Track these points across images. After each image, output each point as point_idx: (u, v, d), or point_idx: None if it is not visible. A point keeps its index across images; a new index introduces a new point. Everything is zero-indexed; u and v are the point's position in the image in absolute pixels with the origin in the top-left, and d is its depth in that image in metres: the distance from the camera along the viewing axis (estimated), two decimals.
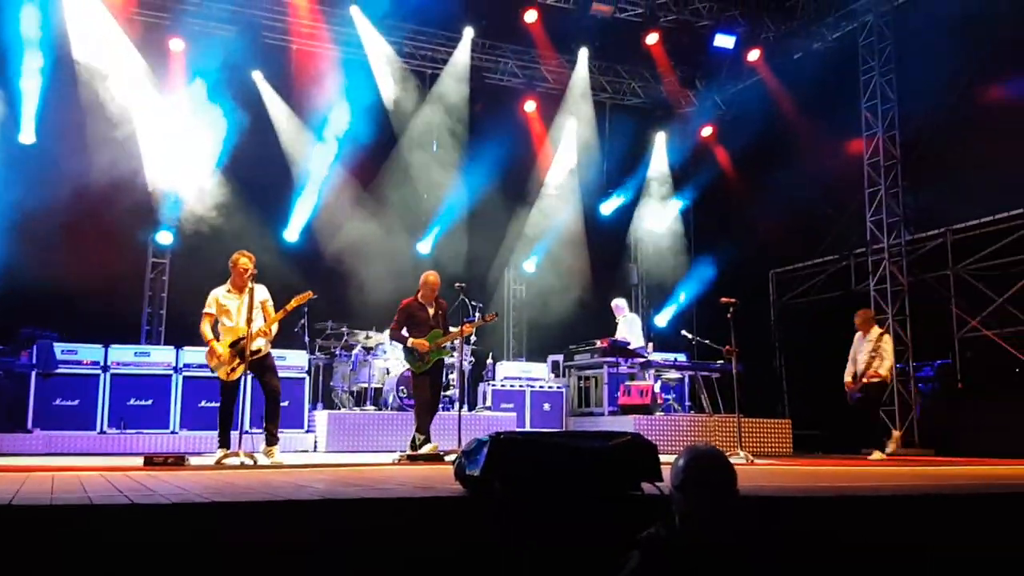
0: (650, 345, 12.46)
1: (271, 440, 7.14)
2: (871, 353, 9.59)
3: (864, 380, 9.58)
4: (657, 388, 11.19)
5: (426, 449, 7.84)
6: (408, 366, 8.40)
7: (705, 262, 14.39)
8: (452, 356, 9.95)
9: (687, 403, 12.07)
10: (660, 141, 15.34)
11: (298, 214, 12.98)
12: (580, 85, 14.41)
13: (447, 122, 14.19)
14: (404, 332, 8.15)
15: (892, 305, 11.88)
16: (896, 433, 9.51)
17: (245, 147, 12.10)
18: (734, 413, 9.21)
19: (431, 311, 8.22)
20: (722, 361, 10.88)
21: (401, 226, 13.83)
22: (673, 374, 11.91)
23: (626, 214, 15.56)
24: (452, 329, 8.33)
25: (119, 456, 8.58)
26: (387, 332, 10.59)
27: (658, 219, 15.59)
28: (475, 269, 13.83)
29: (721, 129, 14.85)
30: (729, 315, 8.70)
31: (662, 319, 15.36)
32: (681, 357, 12.47)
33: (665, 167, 15.25)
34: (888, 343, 9.69)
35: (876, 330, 9.83)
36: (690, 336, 11.84)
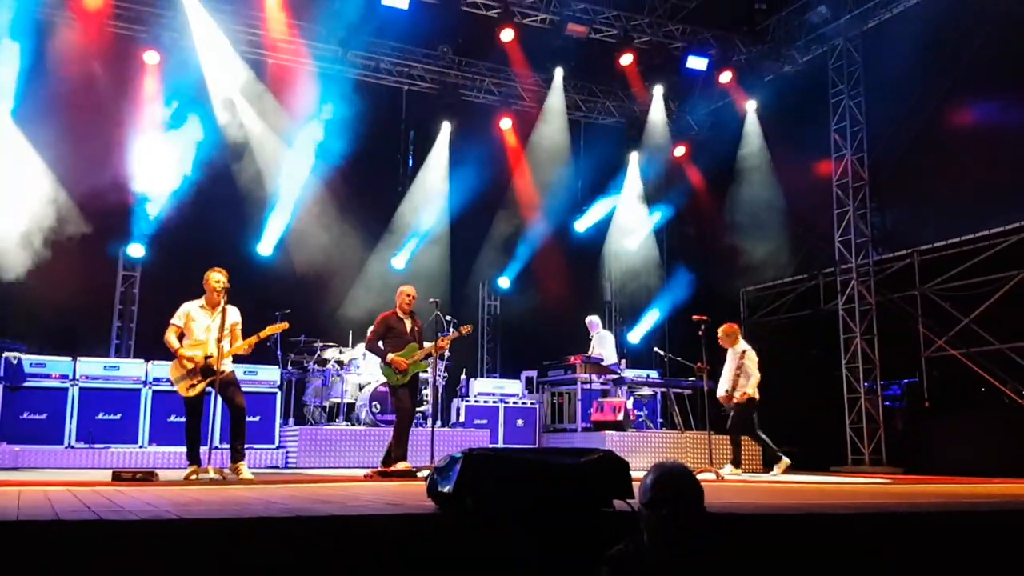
0: (623, 362, 12.51)
1: (237, 456, 7.04)
2: (735, 371, 9.38)
3: (733, 400, 9.39)
4: (630, 404, 11.22)
5: (399, 466, 7.80)
6: (385, 380, 8.34)
7: (678, 280, 14.51)
8: (427, 371, 9.93)
9: (659, 419, 12.12)
10: (634, 160, 15.47)
11: (272, 228, 12.91)
12: (555, 104, 14.53)
13: (423, 138, 14.24)
14: (381, 345, 8.12)
15: (860, 324, 12.05)
16: (786, 461, 9.27)
17: (219, 160, 12.03)
18: (704, 430, 9.24)
19: (409, 325, 8.21)
20: (694, 378, 10.96)
21: (375, 241, 13.82)
22: (646, 391, 11.96)
23: (600, 231, 15.66)
24: (427, 345, 8.33)
25: (87, 471, 8.44)
26: (360, 347, 10.57)
27: (631, 237, 15.71)
28: (449, 285, 13.85)
29: (693, 149, 15.02)
30: (701, 332, 8.77)
31: (635, 336, 15.44)
32: (654, 374, 12.54)
33: (639, 185, 15.38)
34: (751, 359, 9.39)
35: (739, 346, 9.53)
36: (662, 353, 11.90)
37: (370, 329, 8.24)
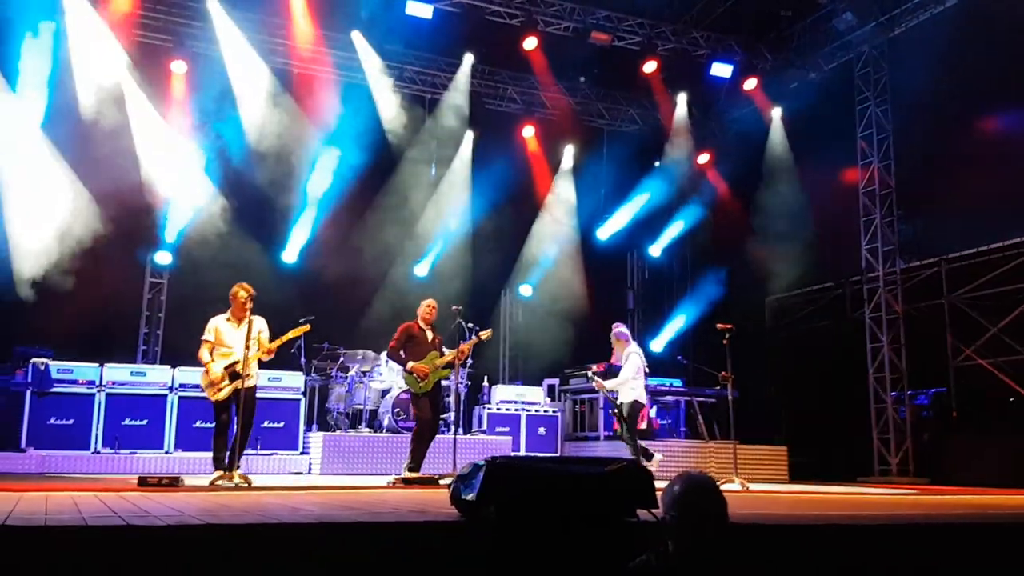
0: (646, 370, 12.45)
1: (227, 465, 7.02)
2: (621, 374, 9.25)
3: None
4: (653, 413, 11.16)
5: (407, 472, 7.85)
6: (407, 387, 8.40)
7: (701, 288, 14.43)
8: (449, 379, 9.96)
9: (683, 429, 12.04)
10: (657, 167, 15.42)
11: (296, 236, 13.01)
12: (577, 111, 14.53)
13: (446, 147, 14.30)
14: (402, 354, 8.19)
15: (887, 333, 11.92)
16: (659, 456, 9.05)
17: (244, 168, 12.16)
18: (730, 439, 9.19)
19: (429, 335, 8.32)
20: (718, 387, 10.88)
21: (398, 249, 13.87)
22: (669, 399, 11.89)
23: (623, 239, 15.62)
24: (448, 353, 8.36)
25: (113, 476, 8.55)
26: (383, 354, 10.61)
27: (655, 244, 15.66)
28: (472, 293, 13.86)
29: (717, 156, 14.96)
30: (725, 341, 8.72)
31: (658, 344, 15.37)
32: (677, 383, 12.46)
33: (662, 194, 15.34)
34: (631, 361, 9.22)
35: (625, 349, 9.40)
36: (686, 362, 11.83)
37: (392, 338, 8.32)
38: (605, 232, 15.50)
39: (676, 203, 15.35)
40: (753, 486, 8.63)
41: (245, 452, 7.54)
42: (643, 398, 9.16)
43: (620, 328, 12.29)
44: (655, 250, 15.80)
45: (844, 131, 12.54)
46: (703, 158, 15.04)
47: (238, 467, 7.02)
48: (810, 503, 6.12)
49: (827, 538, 3.80)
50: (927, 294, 11.74)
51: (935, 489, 9.38)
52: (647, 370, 9.58)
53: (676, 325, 15.19)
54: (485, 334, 8.58)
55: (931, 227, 11.96)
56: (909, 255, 12.11)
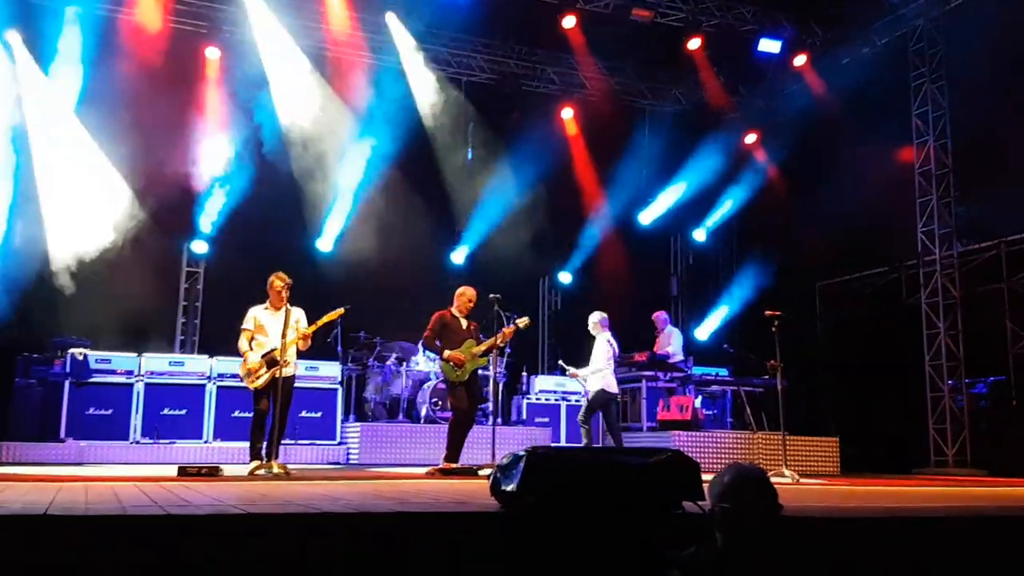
0: (690, 359, 12.37)
1: (267, 454, 7.14)
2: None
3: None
4: (698, 403, 11.09)
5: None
6: (445, 376, 8.43)
7: (749, 273, 14.26)
8: (486, 368, 9.97)
9: (729, 419, 11.95)
10: (701, 149, 15.23)
11: (332, 224, 13.13)
12: (618, 91, 14.41)
13: (483, 130, 14.28)
14: (437, 343, 8.22)
15: (944, 319, 11.66)
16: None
17: (279, 155, 12.28)
18: (779, 430, 9.10)
19: (465, 324, 8.33)
20: (767, 376, 10.76)
21: (435, 236, 13.92)
22: (715, 389, 11.81)
23: (666, 223, 15.49)
24: (486, 340, 8.38)
25: (152, 466, 8.74)
26: (420, 343, 10.67)
27: (700, 228, 15.50)
28: (509, 280, 13.85)
29: (765, 135, 14.74)
30: (774, 328, 8.62)
31: (703, 332, 15.24)
32: (723, 372, 12.36)
33: (707, 175, 15.16)
34: (599, 349, 9.19)
35: (601, 335, 9.37)
36: (733, 350, 11.72)
37: (426, 327, 8.35)
38: (648, 216, 15.38)
39: (722, 185, 15.16)
40: (803, 479, 8.53)
41: (283, 442, 7.65)
42: (612, 387, 9.18)
43: (660, 314, 12.25)
44: (700, 234, 15.64)
45: (898, 109, 12.26)
46: (750, 138, 14.83)
47: (276, 456, 7.13)
48: (864, 496, 6.02)
49: (884, 531, 3.74)
50: (985, 278, 11.46)
51: (995, 480, 9.17)
52: (618, 358, 9.56)
53: (722, 312, 15.05)
54: (523, 322, 8.57)
55: (989, 208, 11.65)
56: (966, 238, 11.82)
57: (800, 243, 13.29)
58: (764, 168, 14.63)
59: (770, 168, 14.55)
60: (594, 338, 9.33)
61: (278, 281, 7.48)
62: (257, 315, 7.53)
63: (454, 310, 8.37)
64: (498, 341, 8.25)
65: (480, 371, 8.49)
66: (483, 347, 8.25)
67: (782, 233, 13.73)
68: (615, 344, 9.31)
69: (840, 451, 11.10)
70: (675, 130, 14.98)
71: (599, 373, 9.10)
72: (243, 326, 7.51)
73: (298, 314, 7.52)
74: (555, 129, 14.57)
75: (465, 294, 8.39)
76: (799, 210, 13.21)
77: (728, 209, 15.28)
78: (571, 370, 9.37)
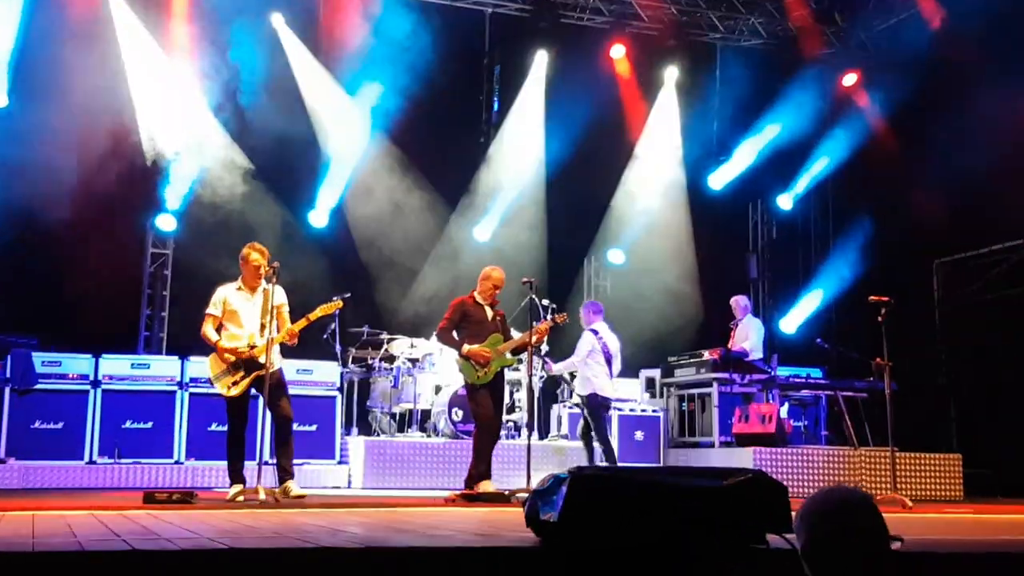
0: (775, 357, 12.28)
1: (284, 476, 7.29)
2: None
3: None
4: (784, 412, 11.03)
5: (484, 486, 7.89)
6: (464, 378, 8.44)
7: (848, 250, 14.14)
8: (517, 368, 10.00)
9: (824, 432, 11.87)
10: (787, 93, 15.07)
11: (326, 193, 13.20)
12: (682, 23, 14.30)
13: (512, 74, 14.24)
14: (455, 335, 8.28)
15: None
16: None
17: (263, 110, 12.34)
18: (886, 445, 9.03)
19: (490, 313, 8.37)
20: (871, 378, 10.68)
21: (453, 207, 13.95)
22: (805, 394, 11.73)
23: (743, 188, 15.37)
24: (516, 335, 8.40)
25: (113, 492, 8.88)
26: (435, 338, 10.72)
27: (785, 194, 15.37)
28: (547, 261, 13.87)
29: (868, 78, 14.54)
30: (880, 318, 8.58)
31: (790, 324, 15.13)
32: (816, 373, 12.28)
33: (795, 127, 15.00)
34: (583, 342, 9.26)
35: (588, 327, 9.42)
36: (828, 346, 11.63)
37: (443, 316, 8.40)
38: (719, 179, 15.27)
39: (813, 140, 15.00)
40: (918, 505, 8.45)
41: (268, 462, 7.73)
42: (606, 391, 9.28)
43: (739, 300, 12.18)
44: (785, 201, 15.49)
45: None
46: (849, 79, 14.64)
47: (291, 477, 7.21)
48: (996, 527, 5.96)
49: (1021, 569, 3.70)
50: None
51: None
52: (611, 354, 9.51)
53: (814, 299, 14.94)
54: (561, 318, 8.60)
55: None
56: None
57: (913, 212, 13.12)
58: (867, 118, 14.45)
59: (875, 118, 14.37)
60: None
61: (253, 253, 7.35)
62: (227, 296, 7.42)
63: (477, 296, 8.40)
64: (531, 339, 8.26)
65: (507, 371, 8.54)
66: (511, 344, 8.28)
67: (890, 199, 13.57)
68: (609, 339, 9.30)
69: (963, 471, 10.99)
70: (753, 71, 14.82)
71: (586, 372, 9.16)
72: (208, 310, 7.44)
73: (280, 296, 7.42)
74: (602, 71, 14.49)
75: (491, 277, 8.41)
76: (912, 171, 13.04)
77: (821, 170, 15.13)
78: (550, 364, 9.43)
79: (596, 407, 9.32)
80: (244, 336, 7.32)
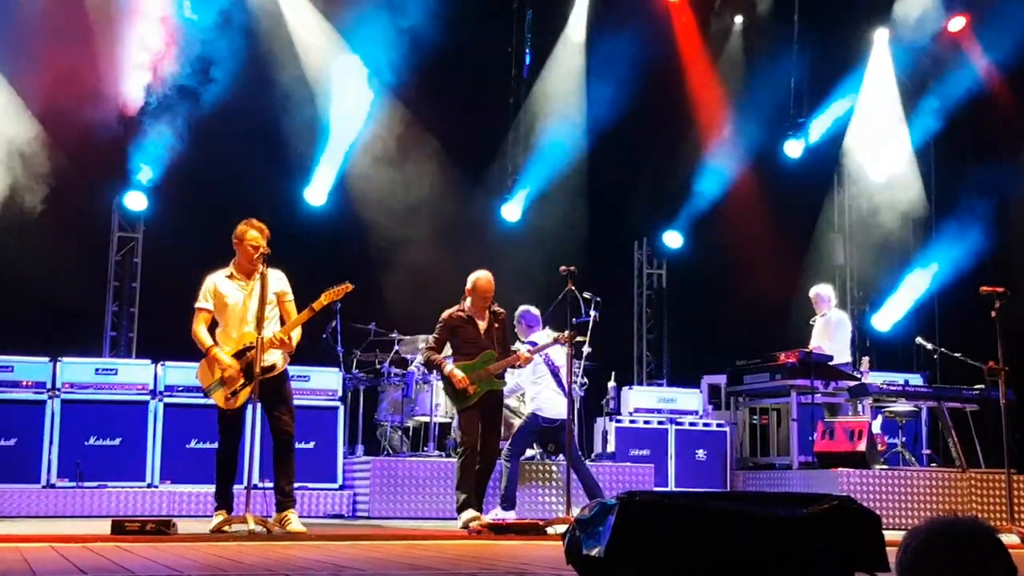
0: (865, 361, 12.21)
1: (284, 503, 7.34)
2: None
3: None
4: (877, 427, 10.96)
5: (470, 518, 8.08)
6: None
7: (956, 229, 14.05)
8: (557, 376, 10.02)
9: (925, 451, 11.81)
10: (881, 41, 14.97)
11: (325, 166, 13.24)
12: None
13: (547, 23, 14.20)
14: (441, 355, 8.56)
15: None
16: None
17: (251, 68, 12.37)
18: (1001, 467, 8.96)
19: (482, 326, 8.59)
20: (982, 385, 10.61)
21: (477, 182, 13.96)
22: (902, 406, 11.66)
23: (826, 157, 15.31)
24: (545, 336, 8.49)
25: (76, 520, 8.96)
26: (420, 360, 10.76)
27: (878, 163, 15.27)
28: (588, 245, 13.85)
29: (978, 21, 14.41)
30: (994, 313, 8.49)
31: (884, 320, 15.06)
32: (915, 379, 12.19)
33: (890, 82, 14.89)
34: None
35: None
36: (930, 347, 11.55)
37: (432, 336, 8.71)
38: (798, 147, 15.20)
39: (912, 96, 14.89)
40: None
41: (258, 486, 7.78)
42: (548, 411, 9.32)
43: (821, 291, 12.13)
44: (877, 171, 15.38)
45: None
46: (956, 24, 14.52)
47: (293, 504, 7.28)
48: None
49: None
50: None
51: None
52: (556, 367, 9.43)
53: (912, 290, 14.89)
54: (564, 336, 8.64)
55: None
56: None
57: None
58: (977, 70, 14.33)
59: (987, 69, 14.26)
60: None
61: (251, 231, 7.30)
62: (218, 285, 7.39)
63: (466, 308, 8.61)
64: (518, 362, 8.59)
65: (550, 375, 8.62)
66: (502, 364, 8.50)
67: (1008, 166, 13.46)
68: (553, 350, 9.27)
69: None
70: (840, 11, 14.72)
71: (530, 394, 9.43)
72: (198, 304, 7.41)
73: (278, 281, 7.44)
74: (656, 16, 14.46)
75: (476, 288, 8.60)
76: None
77: (924, 131, 15.00)
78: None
79: (525, 428, 9.50)
80: (237, 332, 7.31)
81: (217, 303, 7.41)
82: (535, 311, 9.70)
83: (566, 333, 8.63)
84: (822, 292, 12.14)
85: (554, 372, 9.52)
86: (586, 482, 9.34)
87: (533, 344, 9.38)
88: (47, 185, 11.56)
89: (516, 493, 9.31)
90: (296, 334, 7.43)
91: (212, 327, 7.48)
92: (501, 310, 8.78)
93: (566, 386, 9.12)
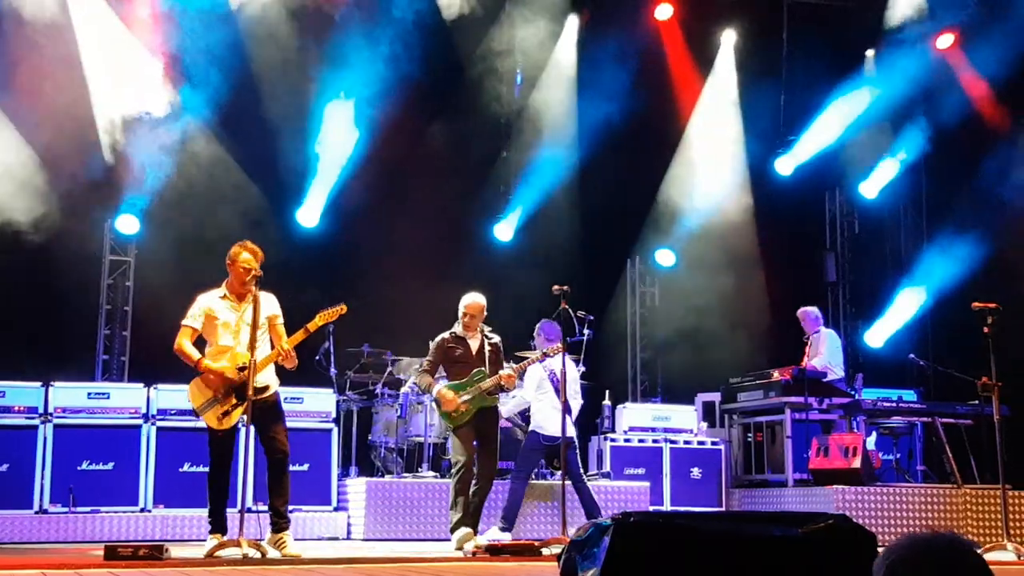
0: (859, 377, 12.25)
1: (279, 524, 7.34)
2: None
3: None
4: (871, 444, 10.98)
5: (459, 536, 8.08)
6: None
7: (945, 246, 14.08)
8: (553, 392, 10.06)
9: (919, 467, 11.83)
10: (870, 60, 15.03)
11: (318, 187, 13.24)
12: None
13: (538, 43, 14.25)
14: (432, 378, 8.62)
15: None
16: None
17: (242, 87, 12.39)
18: (996, 483, 8.98)
19: (474, 346, 8.71)
20: (976, 401, 10.63)
21: (470, 202, 13.97)
22: (897, 422, 11.69)
23: (817, 174, 15.34)
24: (508, 368, 8.63)
25: (68, 545, 8.94)
26: (413, 384, 10.80)
27: (868, 181, 15.32)
28: (581, 264, 13.85)
29: (967, 37, 14.48)
30: (987, 329, 8.53)
31: (877, 336, 15.09)
32: (909, 395, 12.23)
33: (879, 99, 14.95)
34: (532, 372, 9.42)
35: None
36: (924, 363, 11.57)
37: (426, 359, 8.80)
38: (788, 164, 15.24)
39: (902, 115, 14.96)
40: None
41: (252, 509, 7.75)
42: (548, 428, 9.29)
43: (808, 311, 12.16)
44: (869, 189, 15.45)
45: None
46: (945, 41, 14.59)
47: (288, 526, 7.25)
48: None
49: None
50: None
51: None
52: (557, 381, 9.43)
53: (905, 307, 14.92)
54: (506, 373, 8.61)
55: None
56: None
57: None
58: (967, 87, 14.39)
59: (977, 86, 14.32)
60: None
61: (244, 253, 7.36)
62: (211, 305, 7.44)
63: (458, 330, 8.71)
64: (500, 382, 8.56)
65: (553, 392, 8.65)
66: (491, 383, 8.54)
67: (997, 184, 13.50)
68: (555, 364, 9.25)
69: None
70: (829, 32, 14.80)
71: (532, 409, 9.49)
72: (186, 321, 7.43)
73: (271, 305, 7.48)
74: (645, 34, 14.51)
75: (468, 308, 8.73)
76: (1021, 149, 12.99)
77: (914, 151, 15.07)
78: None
79: (527, 449, 9.54)
80: (231, 355, 7.32)
81: (208, 323, 7.43)
82: (556, 325, 9.70)
83: (556, 346, 8.71)
84: (808, 313, 12.23)
85: (558, 389, 9.51)
86: (586, 502, 9.33)
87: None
88: (38, 208, 11.55)
89: (516, 515, 9.30)
90: (290, 359, 7.43)
91: (197, 346, 7.48)
92: (496, 337, 8.86)
93: (569, 402, 9.17)
